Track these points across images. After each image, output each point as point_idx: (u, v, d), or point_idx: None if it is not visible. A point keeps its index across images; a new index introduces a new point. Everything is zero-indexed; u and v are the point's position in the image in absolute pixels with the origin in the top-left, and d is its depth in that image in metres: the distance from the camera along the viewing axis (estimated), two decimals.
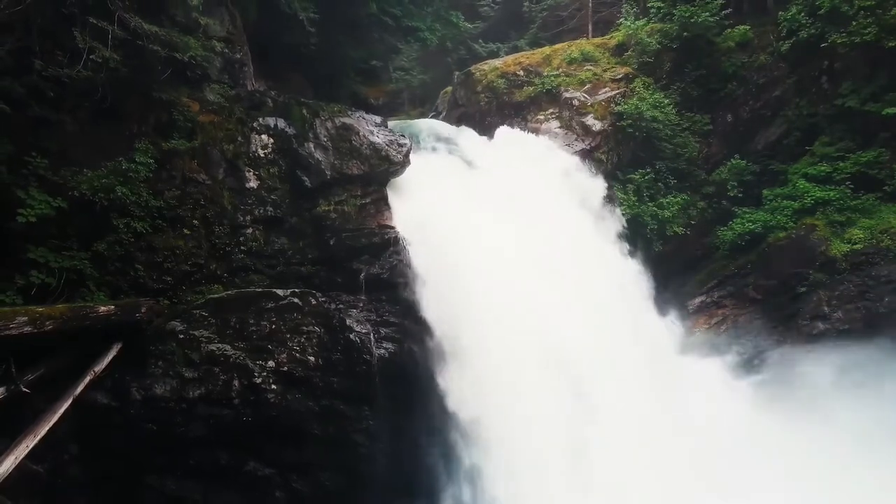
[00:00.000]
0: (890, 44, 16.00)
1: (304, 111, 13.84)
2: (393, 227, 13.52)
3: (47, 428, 9.95)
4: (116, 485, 11.48)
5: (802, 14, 17.78)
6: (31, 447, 9.64)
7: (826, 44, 17.17)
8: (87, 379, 10.91)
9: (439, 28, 23.89)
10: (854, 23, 16.50)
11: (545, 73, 19.45)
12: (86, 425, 11.23)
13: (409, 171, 15.12)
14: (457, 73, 22.86)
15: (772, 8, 19.86)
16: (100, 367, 11.24)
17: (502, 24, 32.86)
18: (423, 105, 34.19)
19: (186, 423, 11.46)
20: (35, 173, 11.40)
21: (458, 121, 20.47)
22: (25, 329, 9.57)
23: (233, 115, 13.49)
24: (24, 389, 10.07)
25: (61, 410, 10.29)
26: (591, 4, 26.53)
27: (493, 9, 33.36)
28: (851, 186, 16.73)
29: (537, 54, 20.86)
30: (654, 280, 18.05)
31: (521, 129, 18.60)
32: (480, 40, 32.23)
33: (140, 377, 11.38)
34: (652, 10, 20.44)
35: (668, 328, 16.82)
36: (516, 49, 28.49)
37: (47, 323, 9.91)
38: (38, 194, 11.23)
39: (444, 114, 23.02)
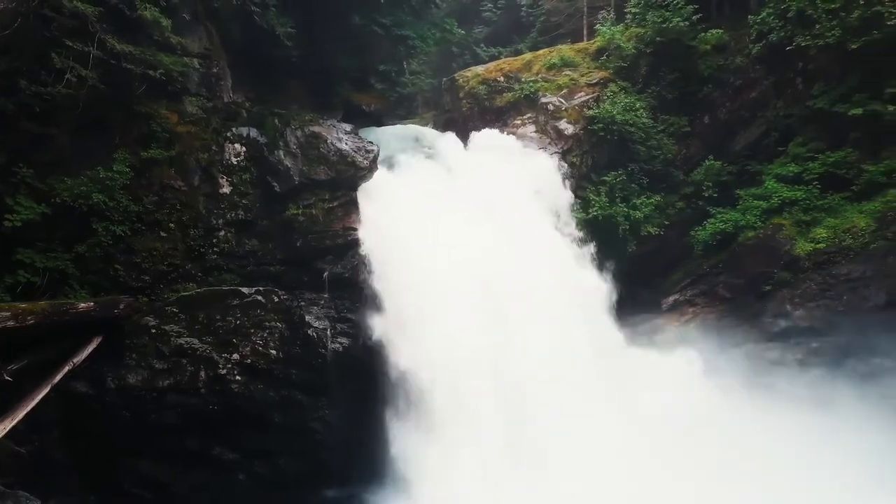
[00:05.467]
0: (853, 46, 16.19)
1: (276, 121, 14.78)
2: (356, 229, 14.27)
3: (24, 413, 11.02)
4: (96, 466, 12.62)
5: (773, 17, 18.03)
6: (7, 430, 10.72)
7: (791, 46, 17.43)
8: (66, 369, 11.99)
9: (432, 36, 24.65)
10: (818, 25, 16.73)
11: (525, 79, 20.06)
12: (68, 412, 12.43)
13: (386, 174, 15.97)
14: (444, 79, 23.61)
15: (754, 11, 20.05)
16: (79, 358, 12.33)
17: (505, 28, 33.51)
18: (436, 108, 35.07)
19: (158, 411, 12.54)
20: (24, 182, 12.62)
21: (444, 126, 21.23)
22: (9, 323, 10.66)
23: (209, 126, 14.52)
24: (7, 378, 11.17)
25: (39, 397, 11.36)
26: (585, 9, 27.01)
27: (495, 14, 34.04)
28: (819, 186, 16.95)
29: (518, 60, 21.49)
30: (627, 279, 18.52)
31: (499, 133, 19.17)
32: (483, 44, 32.96)
33: (115, 368, 12.49)
34: (628, 16, 20.88)
35: (631, 328, 17.18)
36: (517, 53, 29.01)
37: (29, 318, 11.01)
38: (25, 201, 12.45)
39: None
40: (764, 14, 18.29)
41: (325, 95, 21.40)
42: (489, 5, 34.03)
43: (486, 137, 18.65)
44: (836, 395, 14.76)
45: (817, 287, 15.91)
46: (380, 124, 22.74)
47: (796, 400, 14.97)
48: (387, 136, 18.25)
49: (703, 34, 19.60)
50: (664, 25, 19.08)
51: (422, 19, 24.03)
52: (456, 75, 21.85)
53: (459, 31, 26.46)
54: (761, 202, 17.53)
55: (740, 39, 19.76)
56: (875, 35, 15.93)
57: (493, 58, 30.60)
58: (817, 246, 16.17)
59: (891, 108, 15.98)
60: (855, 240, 15.76)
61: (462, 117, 20.71)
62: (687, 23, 19.09)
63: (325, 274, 13.82)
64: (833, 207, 16.69)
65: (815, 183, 17.05)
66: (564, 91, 19.56)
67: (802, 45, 17.11)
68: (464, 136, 19.07)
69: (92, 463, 12.58)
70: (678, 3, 19.29)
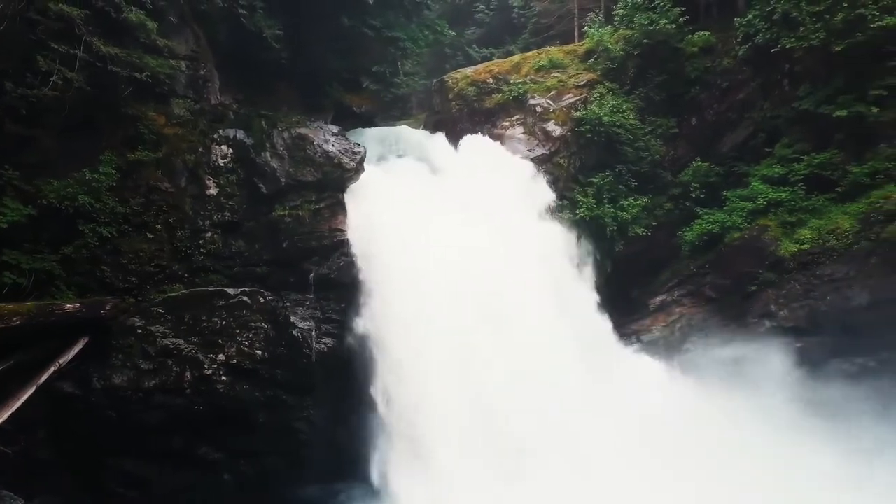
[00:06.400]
0: (837, 48, 16.29)
1: (263, 122, 14.89)
2: (343, 231, 14.38)
3: (8, 413, 11.07)
4: (82, 466, 12.69)
5: (759, 19, 18.13)
6: None
7: (777, 48, 17.52)
8: (52, 369, 12.05)
9: (424, 37, 24.72)
10: (803, 28, 16.83)
11: (513, 81, 20.14)
12: (54, 412, 12.47)
13: (375, 175, 16.07)
14: (434, 80, 23.71)
15: (741, 13, 20.12)
16: (65, 359, 12.39)
17: (498, 29, 33.57)
18: (429, 109, 35.16)
19: (143, 411, 12.63)
20: (10, 183, 12.66)
21: (434, 127, 21.26)
22: None
23: (196, 128, 14.60)
24: None
25: (24, 397, 11.41)
26: (576, 11, 27.10)
27: (487, 15, 34.11)
28: (804, 187, 17.05)
29: (507, 62, 21.57)
30: (615, 279, 18.70)
31: (488, 135, 19.29)
32: (475, 45, 33.05)
33: (101, 368, 12.55)
34: (616, 18, 20.96)
35: (618, 328, 17.28)
36: (509, 54, 29.08)
37: (14, 319, 11.07)
38: (11, 203, 12.47)
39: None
40: (750, 16, 18.40)
41: (315, 97, 21.43)
42: (481, 7, 34.13)
43: (475, 140, 18.74)
44: (820, 394, 14.89)
45: (801, 287, 16.04)
46: (372, 125, 22.83)
47: (780, 400, 15.09)
48: (374, 138, 18.35)
49: (690, 36, 19.68)
50: (651, 28, 19.18)
51: (413, 21, 24.09)
52: (445, 77, 21.92)
53: (451, 32, 26.53)
54: (747, 203, 17.65)
55: (727, 41, 19.84)
56: (859, 37, 16.04)
57: (485, 59, 30.69)
58: (802, 247, 16.28)
59: (875, 109, 16.10)
60: (839, 240, 15.87)
61: (451, 119, 20.77)
62: (674, 25, 19.19)
63: (311, 275, 13.94)
64: (818, 208, 16.79)
65: (800, 184, 17.16)
66: (552, 93, 19.64)
67: (787, 47, 17.21)
68: (453, 138, 19.16)
69: (78, 463, 12.65)
70: (665, 5, 19.38)
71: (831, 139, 17.37)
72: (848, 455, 13.27)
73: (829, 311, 15.48)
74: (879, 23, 15.66)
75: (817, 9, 16.58)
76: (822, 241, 16.07)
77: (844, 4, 16.08)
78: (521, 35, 31.62)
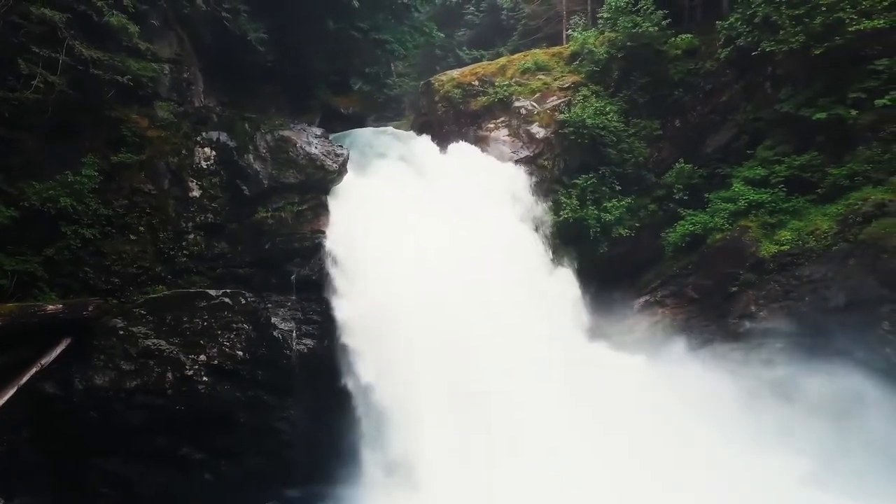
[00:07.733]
0: (817, 51, 16.45)
1: (247, 125, 15.01)
2: (324, 232, 14.49)
3: None
4: (65, 466, 12.78)
5: (740, 22, 18.28)
6: None
7: (758, 51, 17.67)
8: (33, 370, 12.17)
9: (412, 39, 24.89)
10: (783, 31, 16.99)
11: (498, 83, 20.28)
12: (37, 412, 12.58)
13: (359, 178, 16.20)
14: (421, 83, 23.84)
15: (725, 16, 20.28)
16: (47, 360, 12.51)
17: (488, 31, 33.77)
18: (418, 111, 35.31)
19: (125, 412, 12.74)
20: None
21: (420, 129, 21.36)
22: None
23: (179, 130, 14.75)
24: None
25: (5, 398, 11.53)
26: (565, 13, 27.26)
27: (477, 17, 34.31)
28: (785, 189, 17.18)
29: (493, 65, 21.71)
30: (599, 280, 18.85)
31: (474, 137, 19.45)
32: (465, 47, 33.22)
33: (83, 369, 12.67)
34: (601, 21, 21.11)
35: (602, 330, 17.41)
36: (499, 56, 29.24)
37: None
38: None
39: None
40: (732, 19, 18.53)
41: (302, 99, 21.62)
42: (471, 9, 34.35)
43: (462, 145, 18.88)
44: (795, 393, 15.02)
45: (781, 288, 16.12)
46: (363, 126, 22.98)
47: (761, 399, 15.23)
48: (360, 140, 18.45)
49: (673, 39, 19.79)
50: (635, 30, 19.31)
51: (402, 23, 24.28)
52: (432, 79, 22.04)
53: (439, 34, 26.74)
54: (729, 204, 17.76)
55: (710, 44, 19.95)
56: (837, 41, 16.15)
57: (475, 60, 30.85)
58: (781, 248, 16.38)
59: (853, 112, 16.20)
60: (817, 242, 15.95)
61: (438, 121, 20.89)
62: (657, 28, 19.31)
63: (293, 276, 14.06)
64: (798, 210, 16.88)
65: (781, 186, 17.25)
66: (537, 95, 19.77)
67: (768, 50, 17.33)
68: (439, 139, 19.30)
69: (61, 463, 12.74)
70: (649, 8, 19.52)
71: (812, 141, 17.48)
72: (829, 454, 13.41)
73: (808, 312, 15.56)
74: (857, 26, 15.77)
75: (797, 12, 16.71)
76: (802, 243, 16.16)
77: (823, 8, 16.22)
78: (511, 37, 31.78)
